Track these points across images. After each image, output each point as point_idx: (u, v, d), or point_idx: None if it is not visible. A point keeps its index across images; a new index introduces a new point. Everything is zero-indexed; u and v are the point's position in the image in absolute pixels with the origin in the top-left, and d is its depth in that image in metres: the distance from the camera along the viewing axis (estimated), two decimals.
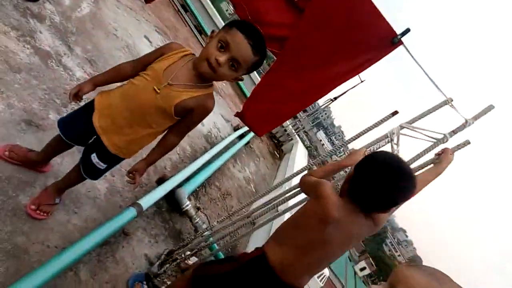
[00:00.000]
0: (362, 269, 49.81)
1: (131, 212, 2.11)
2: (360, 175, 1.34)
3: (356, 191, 1.37)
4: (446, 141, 1.96)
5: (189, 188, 3.01)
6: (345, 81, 2.00)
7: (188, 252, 2.35)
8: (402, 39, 1.77)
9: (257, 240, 3.56)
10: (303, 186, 1.69)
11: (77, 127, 1.62)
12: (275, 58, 2.04)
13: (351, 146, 2.47)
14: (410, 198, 1.40)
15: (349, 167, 1.73)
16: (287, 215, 2.43)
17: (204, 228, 2.79)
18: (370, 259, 52.96)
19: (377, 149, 2.06)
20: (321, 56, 1.93)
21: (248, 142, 5.96)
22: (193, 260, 2.41)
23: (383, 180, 1.27)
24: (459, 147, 1.94)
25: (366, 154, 1.86)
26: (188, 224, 2.94)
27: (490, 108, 1.91)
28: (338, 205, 1.40)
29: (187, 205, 2.82)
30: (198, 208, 2.97)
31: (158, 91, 1.47)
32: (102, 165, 1.66)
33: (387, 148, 2.01)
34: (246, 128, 6.24)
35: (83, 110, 1.62)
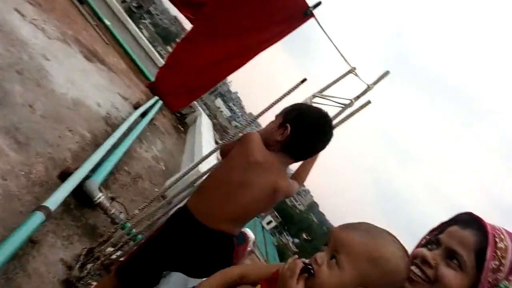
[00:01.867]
0: (269, 223, 53.27)
1: (38, 217, 1.85)
2: (301, 129, 1.43)
3: (295, 144, 1.44)
4: (352, 105, 2.15)
5: (99, 178, 2.76)
6: (262, 50, 2.01)
7: (111, 248, 2.19)
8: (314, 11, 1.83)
9: None
10: (229, 145, 1.67)
11: None
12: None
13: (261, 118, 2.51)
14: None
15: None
16: None
17: (123, 218, 2.62)
18: (275, 212, 56.84)
19: None
20: (237, 25, 1.90)
21: (151, 120, 5.66)
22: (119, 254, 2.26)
23: (319, 131, 1.46)
24: (362, 107, 2.14)
25: None
26: (102, 217, 2.71)
27: (386, 73, 2.13)
28: (263, 152, 1.44)
29: (100, 197, 2.59)
30: (113, 198, 2.76)
31: None
32: None
33: None
34: (147, 105, 5.90)
35: None
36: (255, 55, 2.16)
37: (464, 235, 0.92)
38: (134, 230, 2.31)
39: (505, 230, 0.91)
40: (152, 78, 7.73)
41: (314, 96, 2.10)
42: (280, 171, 1.46)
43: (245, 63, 2.22)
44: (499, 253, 0.86)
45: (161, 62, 8.92)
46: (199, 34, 2.00)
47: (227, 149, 1.60)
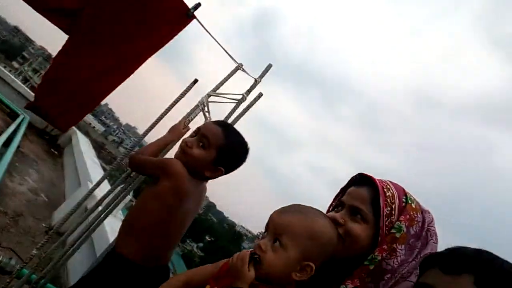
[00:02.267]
0: None
1: None
2: (230, 171, 1.54)
3: (234, 165, 1.54)
4: (245, 99, 2.27)
5: None
6: (148, 57, 1.96)
7: None
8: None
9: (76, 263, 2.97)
10: (145, 165, 1.62)
11: None
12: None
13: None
14: None
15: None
16: (108, 221, 2.23)
17: (15, 264, 2.27)
18: None
19: (192, 119, 2.14)
20: (119, 32, 1.82)
21: (18, 147, 4.92)
22: None
23: (247, 151, 1.56)
24: (255, 100, 2.29)
25: (186, 125, 1.97)
26: None
27: (269, 66, 2.31)
28: (192, 183, 1.48)
29: None
30: None
31: None
32: None
33: (200, 116, 2.16)
34: (8, 132, 5.11)
35: None
36: (141, 64, 2.09)
37: (360, 192, 1.07)
38: (35, 276, 2.03)
39: (389, 181, 1.10)
40: (6, 101, 6.72)
41: (209, 95, 2.15)
42: (202, 188, 1.56)
43: (132, 73, 2.14)
44: (389, 200, 1.02)
45: (15, 80, 7.76)
46: (77, 45, 1.85)
47: (143, 165, 1.57)
